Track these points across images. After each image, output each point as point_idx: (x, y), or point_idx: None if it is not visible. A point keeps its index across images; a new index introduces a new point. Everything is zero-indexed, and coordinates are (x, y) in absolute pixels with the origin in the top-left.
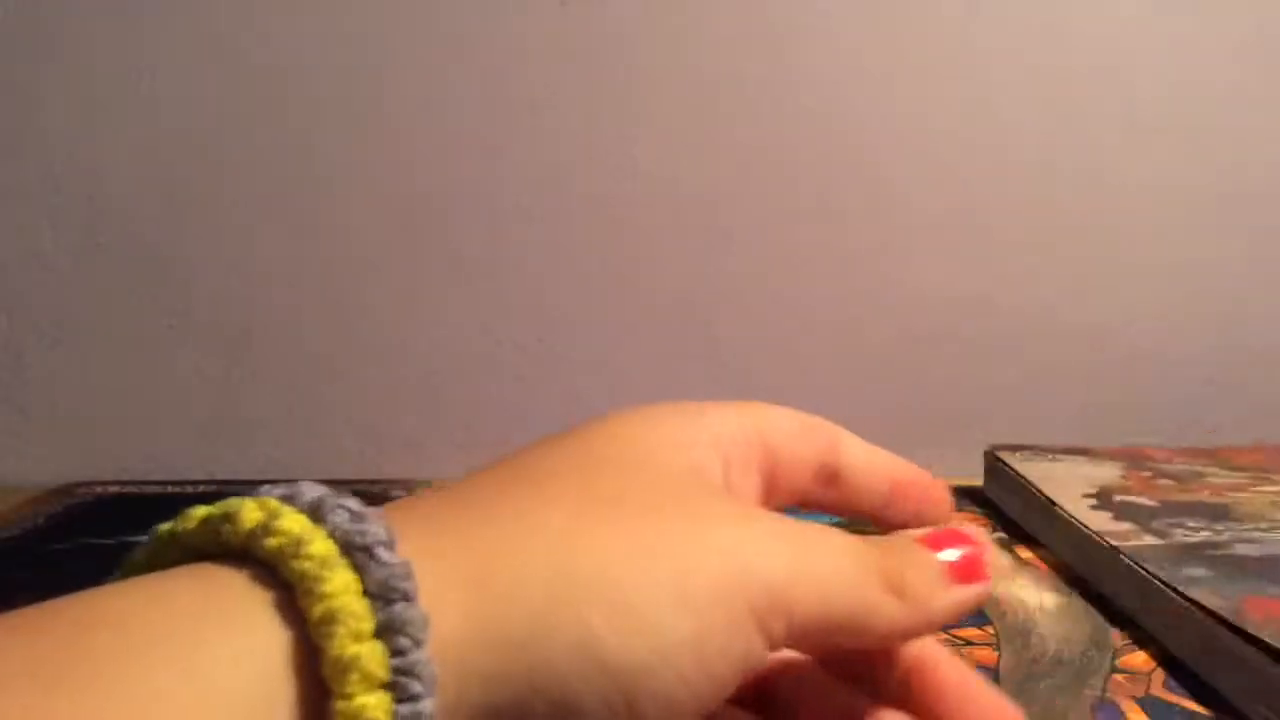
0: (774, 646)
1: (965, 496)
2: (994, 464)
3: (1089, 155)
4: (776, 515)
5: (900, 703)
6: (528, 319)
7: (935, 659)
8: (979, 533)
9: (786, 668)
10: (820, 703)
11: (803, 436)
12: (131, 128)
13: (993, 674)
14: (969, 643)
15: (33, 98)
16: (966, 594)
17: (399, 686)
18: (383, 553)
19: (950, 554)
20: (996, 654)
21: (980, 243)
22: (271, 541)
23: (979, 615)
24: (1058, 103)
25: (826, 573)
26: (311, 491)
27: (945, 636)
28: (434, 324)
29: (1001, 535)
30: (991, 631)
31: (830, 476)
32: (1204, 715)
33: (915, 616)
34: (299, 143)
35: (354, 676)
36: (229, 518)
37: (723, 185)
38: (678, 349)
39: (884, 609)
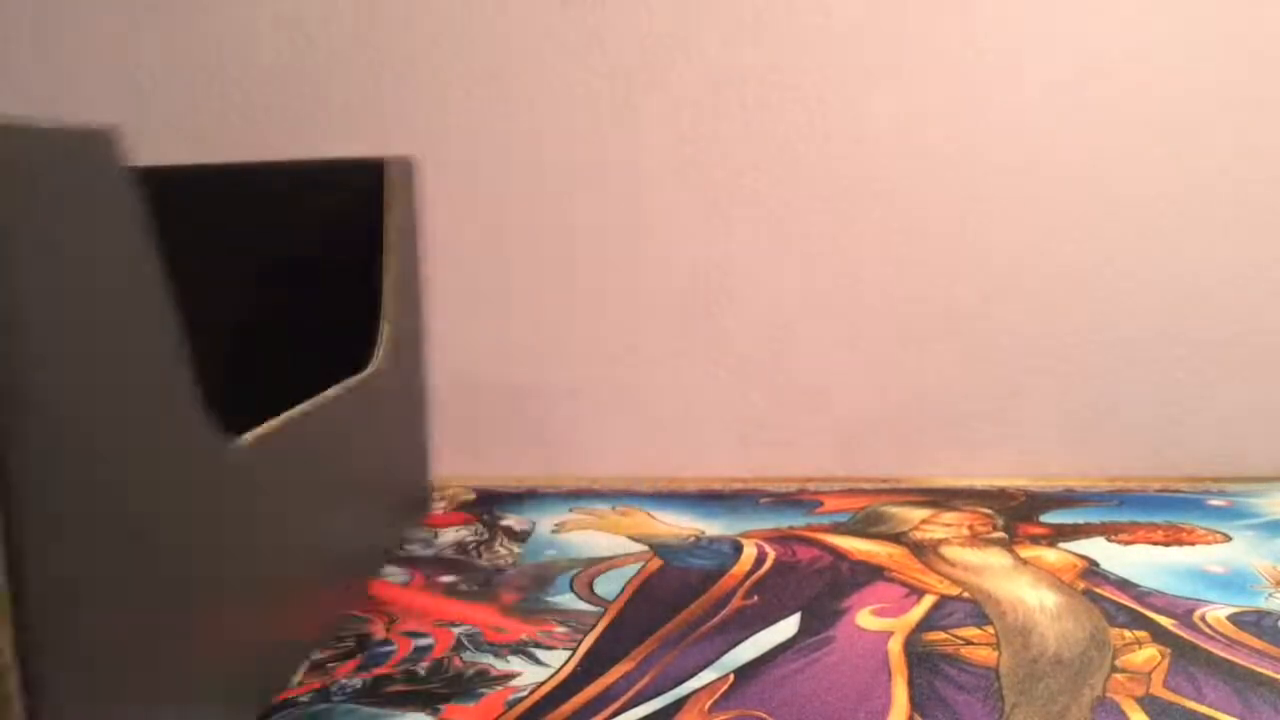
0: None
1: (966, 496)
2: None
3: (1089, 156)
4: None
5: None
6: (529, 319)
7: None
8: None
9: None
10: None
11: None
12: (132, 128)
13: (993, 674)
14: (969, 642)
15: (34, 97)
16: None
17: None
18: None
19: None
20: (996, 654)
21: (981, 242)
22: None
23: (979, 615)
24: (1057, 103)
25: None
26: None
27: (946, 636)
28: (433, 323)
29: (1002, 535)
30: (991, 631)
31: None
32: (1204, 714)
33: None
34: (299, 143)
35: None
36: None
37: (724, 183)
38: (679, 348)
39: None
